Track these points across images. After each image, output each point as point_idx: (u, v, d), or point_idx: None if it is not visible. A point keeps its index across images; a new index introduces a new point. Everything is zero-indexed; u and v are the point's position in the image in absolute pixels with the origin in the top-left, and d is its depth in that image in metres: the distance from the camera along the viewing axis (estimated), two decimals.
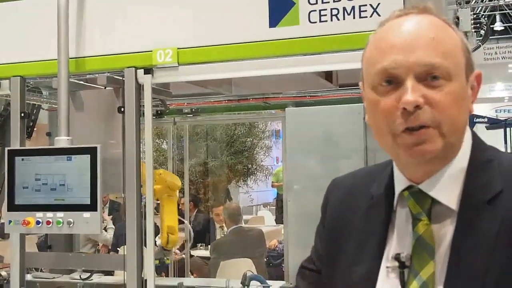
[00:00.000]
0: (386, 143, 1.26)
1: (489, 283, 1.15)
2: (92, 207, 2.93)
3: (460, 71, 1.24)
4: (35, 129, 5.39)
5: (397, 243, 1.30)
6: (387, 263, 1.29)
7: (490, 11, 16.82)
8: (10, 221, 3.04)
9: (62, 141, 3.06)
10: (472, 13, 3.51)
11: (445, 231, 1.24)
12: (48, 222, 2.97)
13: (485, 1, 16.02)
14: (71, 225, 2.94)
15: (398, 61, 1.21)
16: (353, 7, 2.81)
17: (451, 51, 1.23)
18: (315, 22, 2.87)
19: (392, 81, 1.22)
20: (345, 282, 1.36)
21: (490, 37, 17.56)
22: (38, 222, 2.99)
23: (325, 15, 2.86)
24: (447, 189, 1.25)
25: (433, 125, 1.20)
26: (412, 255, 1.25)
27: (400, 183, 1.32)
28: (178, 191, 5.07)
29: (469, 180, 1.25)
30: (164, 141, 9.03)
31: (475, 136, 1.32)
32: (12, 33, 3.43)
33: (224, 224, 7.88)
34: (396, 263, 1.26)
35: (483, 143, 1.32)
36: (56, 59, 3.15)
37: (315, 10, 2.87)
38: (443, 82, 1.20)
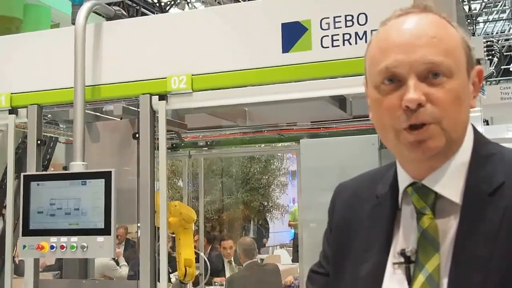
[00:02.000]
0: (389, 141, 1.28)
1: (492, 271, 1.15)
2: (106, 231, 2.93)
3: (461, 68, 1.25)
4: (52, 168, 5.45)
5: (403, 240, 1.31)
6: (393, 260, 1.30)
7: (506, 52, 16.89)
8: (24, 246, 3.05)
9: (77, 166, 3.09)
10: (485, 40, 3.52)
11: (450, 225, 1.25)
12: (62, 247, 2.98)
13: (501, 41, 16.10)
14: (85, 249, 2.94)
15: (399, 60, 1.23)
16: (365, 32, 2.84)
17: (452, 49, 1.25)
18: (328, 47, 2.91)
19: (394, 80, 1.25)
20: (353, 280, 1.36)
21: (507, 78, 17.58)
22: (52, 247, 3.00)
23: (337, 40, 2.89)
24: (450, 183, 1.26)
25: (435, 122, 1.22)
26: (417, 249, 1.26)
27: (404, 180, 1.33)
28: (193, 223, 5.07)
29: (472, 173, 1.26)
30: (180, 179, 9.05)
31: (476, 131, 1.33)
32: (29, 62, 3.50)
33: (232, 259, 7.83)
34: (402, 259, 1.27)
35: (485, 138, 1.34)
36: (72, 87, 3.20)
37: (328, 36, 2.91)
38: (444, 80, 1.22)
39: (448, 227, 1.25)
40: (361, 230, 1.40)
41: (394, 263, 1.29)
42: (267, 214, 11.01)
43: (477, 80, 1.31)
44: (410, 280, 1.25)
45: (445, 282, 1.20)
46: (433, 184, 1.27)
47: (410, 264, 1.26)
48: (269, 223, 11.86)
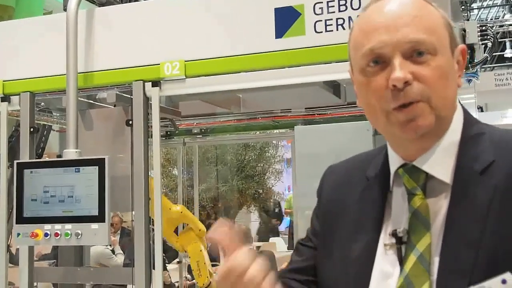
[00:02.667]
0: (379, 123, 1.28)
1: (483, 250, 1.15)
2: (100, 218, 2.93)
3: (445, 46, 1.26)
4: (46, 156, 5.44)
5: (394, 221, 1.31)
6: (385, 241, 1.30)
7: (501, 38, 16.87)
8: (18, 234, 3.04)
9: (70, 153, 3.08)
10: (479, 25, 3.50)
11: (440, 205, 1.25)
12: (56, 234, 2.97)
13: (496, 28, 16.08)
14: (79, 237, 2.94)
15: (383, 41, 1.23)
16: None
17: (434, 27, 1.25)
18: (321, 32, 2.90)
19: (379, 61, 1.24)
20: (343, 260, 1.36)
21: (501, 64, 17.58)
22: (46, 234, 2.99)
23: (331, 25, 2.88)
24: (440, 163, 1.27)
25: (423, 100, 1.22)
26: (409, 229, 1.26)
27: (395, 162, 1.33)
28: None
29: (462, 153, 1.26)
30: (175, 167, 9.04)
31: (466, 112, 1.33)
32: (21, 49, 3.48)
33: None
34: (393, 240, 1.27)
35: (474, 118, 1.34)
36: (64, 74, 3.18)
37: (321, 20, 2.90)
38: (429, 57, 1.22)
39: (439, 207, 1.25)
40: (351, 211, 1.39)
41: (385, 244, 1.29)
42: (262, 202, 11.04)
43: (461, 58, 1.31)
44: (401, 260, 1.25)
45: (436, 260, 1.20)
46: (423, 165, 1.27)
47: (401, 245, 1.26)
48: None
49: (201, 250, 4.79)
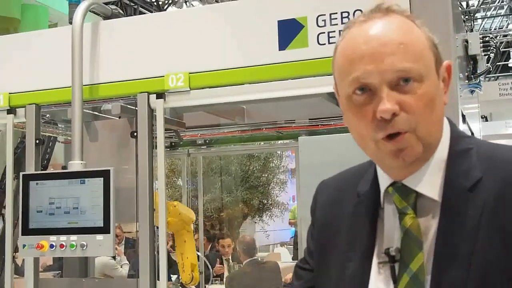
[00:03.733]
0: (369, 149, 1.29)
1: (474, 268, 1.16)
2: (105, 229, 2.94)
3: (430, 70, 1.26)
4: (51, 167, 5.46)
5: (386, 238, 1.32)
6: (378, 259, 1.31)
7: (504, 48, 16.88)
8: (24, 245, 3.06)
9: (75, 165, 3.10)
10: (481, 36, 3.53)
11: (431, 222, 1.26)
12: (61, 246, 2.99)
13: (499, 37, 16.09)
14: (84, 248, 2.95)
15: (369, 71, 1.22)
16: None
17: (420, 53, 1.24)
18: (324, 44, 2.92)
19: (365, 89, 1.24)
20: (338, 279, 1.37)
21: (505, 74, 17.58)
22: (51, 246, 3.01)
23: (334, 37, 2.90)
24: (429, 181, 1.27)
25: (410, 130, 1.22)
26: (401, 248, 1.26)
27: (385, 180, 1.34)
28: (192, 224, 5.06)
29: (450, 170, 1.26)
30: (179, 177, 9.05)
31: (452, 126, 1.33)
32: (27, 62, 3.50)
33: (230, 257, 7.84)
34: (386, 258, 1.27)
35: (461, 132, 1.34)
36: (70, 87, 3.21)
37: (324, 32, 2.92)
38: (415, 85, 1.22)
39: (430, 225, 1.26)
40: (343, 228, 1.40)
41: (379, 263, 1.30)
42: (267, 212, 11.01)
43: (446, 75, 1.31)
44: (395, 279, 1.26)
45: (428, 279, 1.21)
46: (413, 184, 1.28)
47: (394, 263, 1.26)
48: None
49: (185, 241, 4.79)
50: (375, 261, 1.31)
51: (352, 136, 1.32)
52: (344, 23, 2.88)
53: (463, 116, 3.08)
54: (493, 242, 1.15)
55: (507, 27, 18.12)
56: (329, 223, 1.46)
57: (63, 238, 3.00)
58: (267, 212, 11.13)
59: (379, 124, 1.21)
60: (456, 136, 1.31)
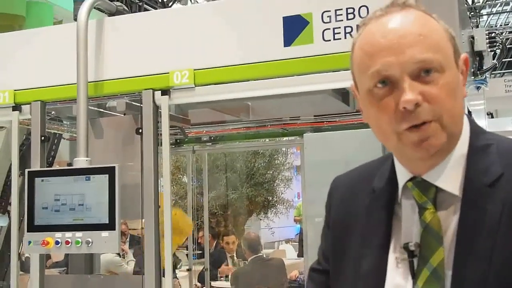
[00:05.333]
0: (390, 143, 1.28)
1: (495, 263, 1.15)
2: (110, 226, 2.94)
3: (450, 61, 1.26)
4: (57, 164, 5.47)
5: (404, 234, 1.31)
6: (394, 254, 1.31)
7: (510, 44, 16.82)
8: (29, 242, 3.07)
9: (81, 161, 3.10)
10: (487, 32, 3.51)
11: (451, 218, 1.25)
12: (67, 242, 2.99)
13: (505, 34, 16.03)
14: (89, 245, 2.96)
15: (390, 63, 1.22)
16: None
17: (439, 44, 1.25)
18: (329, 40, 2.91)
19: (386, 82, 1.24)
20: (353, 277, 1.36)
21: (511, 70, 17.50)
22: (57, 242, 3.01)
23: (339, 33, 2.89)
24: (449, 176, 1.26)
25: (435, 119, 1.22)
26: (421, 243, 1.26)
27: (403, 175, 1.33)
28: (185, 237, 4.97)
29: (470, 165, 1.26)
30: (184, 174, 9.04)
31: (472, 122, 1.33)
32: (32, 59, 3.51)
33: (234, 254, 7.84)
34: (405, 253, 1.27)
35: (480, 128, 1.33)
36: (75, 83, 3.21)
37: (329, 29, 2.91)
38: (437, 75, 1.22)
39: (450, 220, 1.25)
40: (358, 225, 1.40)
41: (397, 257, 1.30)
42: (272, 209, 10.99)
43: (464, 68, 1.31)
44: (413, 274, 1.25)
45: (449, 274, 1.21)
46: (433, 178, 1.27)
47: (413, 258, 1.26)
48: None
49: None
50: (391, 256, 1.31)
51: (373, 131, 1.32)
52: (349, 19, 2.87)
53: (469, 113, 3.07)
54: None
55: None
56: (344, 221, 1.45)
57: (68, 234, 3.00)
58: (272, 209, 11.11)
59: (403, 115, 1.22)
60: (476, 132, 1.31)
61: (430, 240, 1.25)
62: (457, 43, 1.30)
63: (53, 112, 4.15)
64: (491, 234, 1.17)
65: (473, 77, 3.54)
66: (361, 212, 1.40)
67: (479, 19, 17.44)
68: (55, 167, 5.45)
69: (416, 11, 1.28)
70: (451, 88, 1.23)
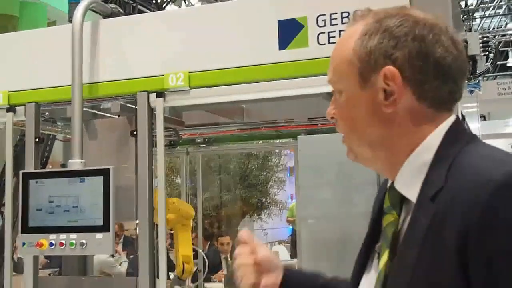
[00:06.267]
0: None
1: (418, 274, 1.16)
2: (104, 228, 2.95)
3: (348, 83, 1.30)
4: (50, 166, 5.47)
5: (382, 235, 1.35)
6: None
7: (503, 47, 16.90)
8: (23, 243, 3.07)
9: (75, 163, 3.10)
10: (480, 36, 3.53)
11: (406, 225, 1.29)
12: (61, 244, 3.00)
13: (498, 37, 16.10)
14: (84, 247, 2.96)
15: None
16: None
17: (337, 67, 1.34)
18: (324, 44, 2.92)
19: None
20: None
21: (503, 73, 17.60)
22: (51, 244, 3.02)
23: (334, 36, 2.90)
24: (410, 183, 1.27)
25: (344, 134, 1.35)
26: (381, 245, 1.32)
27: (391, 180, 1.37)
28: (191, 220, 5.07)
29: (428, 175, 1.24)
30: (178, 176, 9.04)
31: (449, 131, 1.27)
32: (26, 60, 3.51)
33: (228, 255, 7.84)
34: (376, 254, 1.34)
35: (458, 137, 1.27)
36: (70, 85, 3.21)
37: (324, 32, 2.92)
38: (338, 96, 1.33)
39: (405, 227, 1.28)
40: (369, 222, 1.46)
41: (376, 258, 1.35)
42: (265, 210, 11.02)
43: (392, 83, 1.25)
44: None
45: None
46: (398, 185, 1.30)
47: (379, 258, 1.32)
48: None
49: (177, 236, 4.82)
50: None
51: None
52: (344, 23, 2.88)
53: (463, 117, 3.08)
54: (436, 253, 1.13)
55: (505, 27, 18.14)
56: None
57: (62, 236, 3.01)
58: (265, 211, 11.14)
59: None
60: (448, 142, 1.26)
61: (383, 243, 1.30)
62: (372, 60, 1.27)
63: (46, 113, 4.15)
64: (418, 246, 1.17)
65: (466, 81, 3.56)
66: (375, 208, 1.44)
67: (472, 22, 17.50)
68: (49, 168, 5.45)
69: (355, 26, 1.33)
70: (346, 109, 1.32)
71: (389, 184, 1.35)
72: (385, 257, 1.26)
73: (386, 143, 1.29)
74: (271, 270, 1.55)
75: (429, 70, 1.25)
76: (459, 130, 1.29)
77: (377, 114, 1.27)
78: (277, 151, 10.58)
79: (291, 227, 13.91)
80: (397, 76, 1.24)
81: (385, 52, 1.25)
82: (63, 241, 2.99)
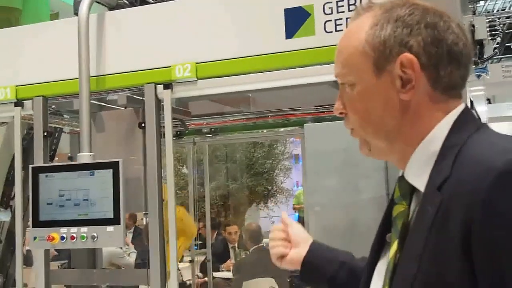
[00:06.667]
0: None
1: (424, 263, 1.16)
2: (115, 220, 2.95)
3: (361, 75, 1.30)
4: (56, 158, 5.46)
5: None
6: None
7: (507, 30, 16.79)
8: (34, 237, 3.08)
9: (84, 157, 3.11)
10: (487, 20, 3.50)
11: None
12: (72, 237, 3.01)
13: (502, 19, 16.00)
14: (95, 239, 2.97)
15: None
16: None
17: (347, 60, 1.33)
18: (331, 32, 2.91)
19: None
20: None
21: (508, 56, 17.49)
22: (62, 238, 3.02)
23: (341, 24, 2.89)
24: (419, 173, 1.27)
25: (356, 127, 1.34)
26: (391, 235, 1.32)
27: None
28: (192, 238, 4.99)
29: (435, 164, 1.24)
30: (184, 166, 9.06)
31: (458, 119, 1.28)
32: (33, 54, 3.50)
33: (236, 244, 7.86)
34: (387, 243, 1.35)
35: (465, 125, 1.27)
36: (77, 78, 3.21)
37: (331, 20, 2.91)
38: (349, 90, 1.32)
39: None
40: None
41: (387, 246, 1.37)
42: (271, 198, 11.04)
43: (409, 70, 1.26)
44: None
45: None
46: (407, 175, 1.30)
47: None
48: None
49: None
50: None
51: None
52: (351, 11, 2.87)
53: (471, 102, 3.07)
54: (441, 243, 1.14)
55: (509, 9, 18.02)
56: None
57: (73, 230, 3.01)
58: (271, 199, 11.15)
59: None
60: (455, 130, 1.26)
61: (393, 233, 1.31)
62: (387, 50, 1.27)
63: (53, 106, 4.14)
64: (424, 237, 1.17)
65: (474, 66, 3.54)
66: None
67: (475, 4, 17.39)
68: (56, 160, 5.45)
69: (361, 19, 1.33)
70: (359, 100, 1.31)
71: (400, 174, 1.35)
72: (394, 247, 1.27)
73: (402, 131, 1.29)
74: (300, 245, 1.76)
75: (443, 56, 1.26)
76: (467, 119, 1.29)
77: (394, 103, 1.28)
78: (283, 139, 10.59)
79: (297, 214, 13.95)
80: (415, 62, 1.25)
81: (400, 40, 1.26)
82: (74, 235, 3.00)
